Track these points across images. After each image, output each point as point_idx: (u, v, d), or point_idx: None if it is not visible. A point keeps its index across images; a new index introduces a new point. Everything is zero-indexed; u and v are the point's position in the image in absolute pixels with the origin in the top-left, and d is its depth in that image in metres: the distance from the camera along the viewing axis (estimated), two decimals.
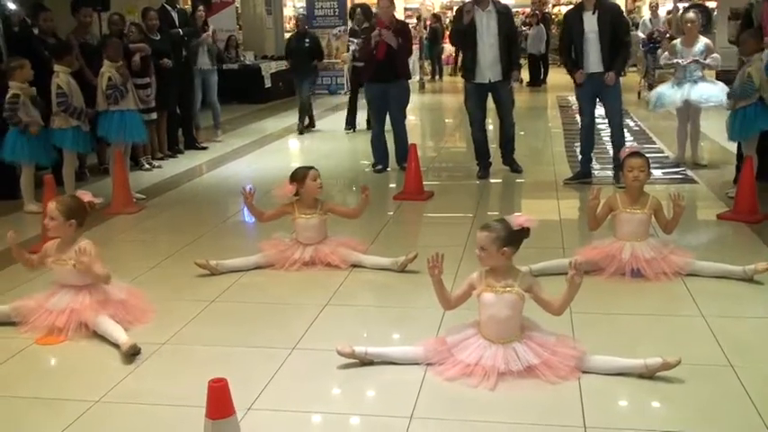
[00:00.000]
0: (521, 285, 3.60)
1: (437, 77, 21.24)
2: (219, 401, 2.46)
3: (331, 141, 11.04)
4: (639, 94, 14.48)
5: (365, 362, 3.65)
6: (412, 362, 3.65)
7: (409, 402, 3.32)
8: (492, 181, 8.18)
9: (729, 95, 7.10)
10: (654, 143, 10.01)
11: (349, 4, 16.56)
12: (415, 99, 12.58)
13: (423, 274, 4.95)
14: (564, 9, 26.39)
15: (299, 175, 5.24)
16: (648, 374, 3.45)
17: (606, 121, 7.97)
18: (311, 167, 5.32)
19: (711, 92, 8.07)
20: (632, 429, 3.08)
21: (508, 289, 3.58)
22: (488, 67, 7.85)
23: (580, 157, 7.96)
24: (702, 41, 8.24)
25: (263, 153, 10.28)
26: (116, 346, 3.91)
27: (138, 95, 8.07)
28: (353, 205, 5.72)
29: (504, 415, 3.21)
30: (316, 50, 11.84)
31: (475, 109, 8.15)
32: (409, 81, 8.82)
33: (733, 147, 7.61)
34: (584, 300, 4.36)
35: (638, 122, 11.89)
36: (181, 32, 9.89)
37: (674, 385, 3.40)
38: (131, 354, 3.81)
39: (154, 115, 9.01)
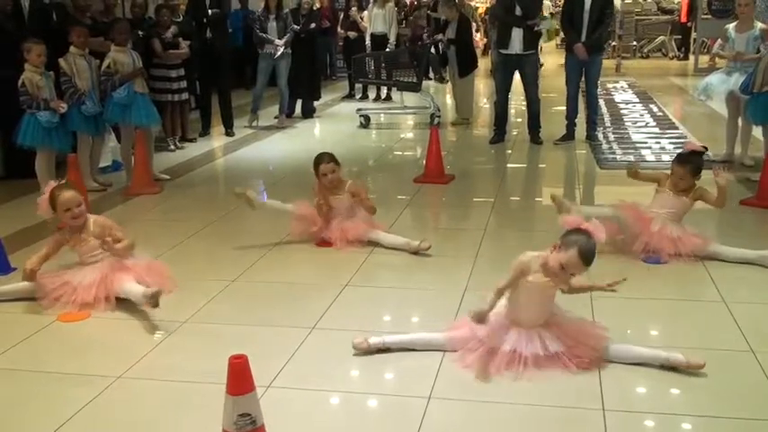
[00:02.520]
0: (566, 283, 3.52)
1: None
2: (240, 378, 2.47)
3: (347, 122, 11.02)
4: None
5: (382, 350, 3.63)
6: (434, 348, 3.62)
7: (427, 383, 3.33)
8: (513, 166, 8.17)
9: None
10: (677, 128, 9.93)
11: None
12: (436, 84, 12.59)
13: (443, 257, 4.99)
14: None
15: (314, 168, 5.30)
16: (669, 367, 3.41)
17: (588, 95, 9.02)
18: (322, 159, 5.29)
19: None
20: (652, 413, 3.07)
21: (550, 284, 3.47)
22: (519, 39, 8.70)
23: (566, 122, 9.03)
24: (758, 26, 7.43)
25: (287, 134, 10.29)
26: (146, 315, 3.99)
27: (170, 77, 8.31)
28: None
29: (523, 396, 3.21)
30: (284, 29, 10.44)
31: (501, 80, 9.21)
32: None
33: None
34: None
35: (662, 107, 11.79)
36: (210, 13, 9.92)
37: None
38: (155, 300, 3.90)
39: (185, 95, 9.06)
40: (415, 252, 5.02)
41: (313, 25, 11.21)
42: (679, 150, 5.41)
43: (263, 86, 10.62)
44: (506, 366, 3.40)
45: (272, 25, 10.20)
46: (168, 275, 4.48)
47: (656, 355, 3.44)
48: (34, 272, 4.31)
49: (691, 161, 4.95)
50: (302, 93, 11.48)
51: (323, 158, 5.30)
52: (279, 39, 10.20)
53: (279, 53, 10.21)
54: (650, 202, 5.05)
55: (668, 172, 5.08)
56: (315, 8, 12.06)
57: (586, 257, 3.36)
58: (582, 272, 3.44)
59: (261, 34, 10.25)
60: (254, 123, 10.63)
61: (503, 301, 3.52)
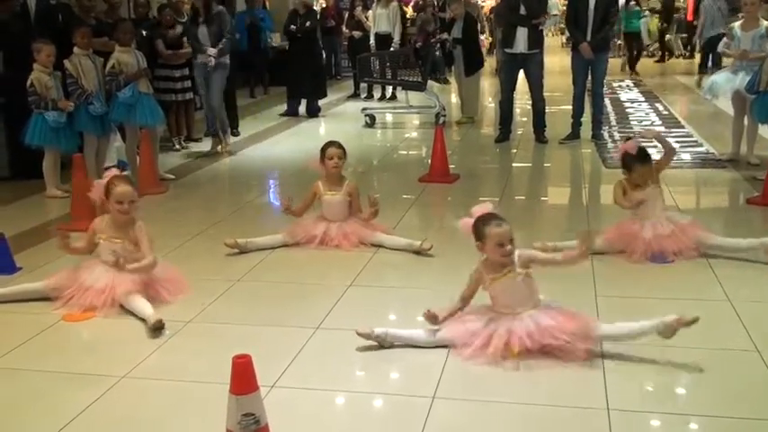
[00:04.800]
0: (520, 266, 3.59)
1: None
2: (243, 377, 2.47)
3: (352, 121, 11.01)
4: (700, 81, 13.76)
5: (385, 345, 3.65)
6: (433, 344, 3.64)
7: (432, 382, 3.33)
8: (518, 165, 8.17)
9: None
10: (683, 127, 9.90)
11: None
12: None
13: (448, 256, 4.98)
14: None
15: (321, 153, 5.33)
16: (666, 333, 3.42)
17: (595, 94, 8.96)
18: (332, 144, 5.36)
19: None
20: (657, 412, 3.06)
21: (510, 274, 3.58)
22: (524, 38, 8.67)
23: (572, 121, 8.99)
24: (764, 25, 7.32)
25: (293, 133, 10.29)
26: (144, 321, 3.97)
27: (174, 77, 8.43)
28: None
29: (528, 396, 3.21)
30: (219, 34, 8.55)
31: (506, 79, 9.16)
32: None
33: None
34: (609, 283, 4.35)
35: (668, 106, 11.77)
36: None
37: (699, 369, 3.37)
38: (156, 328, 3.86)
39: (189, 95, 9.06)
40: (418, 252, 5.02)
41: (308, 23, 11.17)
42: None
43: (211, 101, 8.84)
44: (504, 347, 3.44)
45: (203, 31, 8.55)
46: (184, 285, 4.46)
47: (650, 324, 3.45)
48: (65, 245, 4.39)
49: (647, 155, 4.97)
50: (306, 92, 11.46)
51: (332, 143, 5.38)
52: (212, 47, 8.49)
53: (212, 63, 8.46)
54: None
55: (620, 180, 5.03)
56: (314, 7, 11.95)
57: (493, 220, 3.60)
58: (505, 234, 3.56)
59: (192, 42, 8.68)
60: (220, 148, 8.87)
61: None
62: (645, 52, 18.91)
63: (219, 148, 8.83)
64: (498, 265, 3.62)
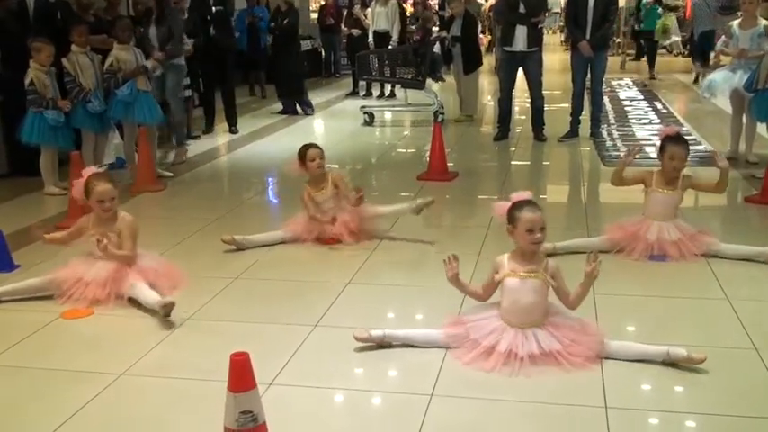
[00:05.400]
0: (546, 271, 3.52)
1: None
2: (241, 374, 2.47)
3: (351, 119, 11.01)
4: (698, 78, 13.69)
5: (383, 345, 3.64)
6: (432, 345, 3.63)
7: (430, 380, 3.32)
8: (517, 163, 8.17)
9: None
10: (681, 125, 9.89)
11: None
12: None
13: (446, 254, 4.96)
14: None
15: (300, 155, 5.35)
16: (670, 362, 3.40)
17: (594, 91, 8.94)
18: (311, 146, 5.37)
19: None
20: (655, 411, 3.06)
21: (533, 274, 3.52)
22: (523, 37, 8.65)
23: (570, 119, 9.00)
24: (762, 23, 7.29)
25: (288, 132, 10.29)
26: (150, 312, 3.99)
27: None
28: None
29: (526, 394, 3.20)
30: (167, 35, 7.85)
31: (505, 77, 9.10)
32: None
33: None
34: (608, 281, 4.34)
35: (667, 104, 11.77)
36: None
37: (697, 367, 3.36)
38: (167, 310, 3.91)
39: (188, 92, 9.03)
40: (418, 213, 5.16)
41: (286, 21, 11.15)
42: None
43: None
44: (503, 365, 3.40)
45: (152, 31, 7.85)
46: (181, 279, 4.48)
47: (657, 350, 3.42)
48: (42, 236, 4.54)
49: (685, 141, 4.94)
50: (295, 91, 11.41)
51: (310, 146, 5.39)
52: (159, 49, 7.66)
53: (152, 66, 7.29)
54: (643, 207, 5.00)
55: (651, 169, 5.04)
56: (295, 5, 11.86)
57: (527, 206, 3.52)
58: (543, 221, 3.49)
59: (144, 43, 7.62)
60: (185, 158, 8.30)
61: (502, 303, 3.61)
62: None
63: (177, 158, 8.20)
64: (528, 257, 3.53)
